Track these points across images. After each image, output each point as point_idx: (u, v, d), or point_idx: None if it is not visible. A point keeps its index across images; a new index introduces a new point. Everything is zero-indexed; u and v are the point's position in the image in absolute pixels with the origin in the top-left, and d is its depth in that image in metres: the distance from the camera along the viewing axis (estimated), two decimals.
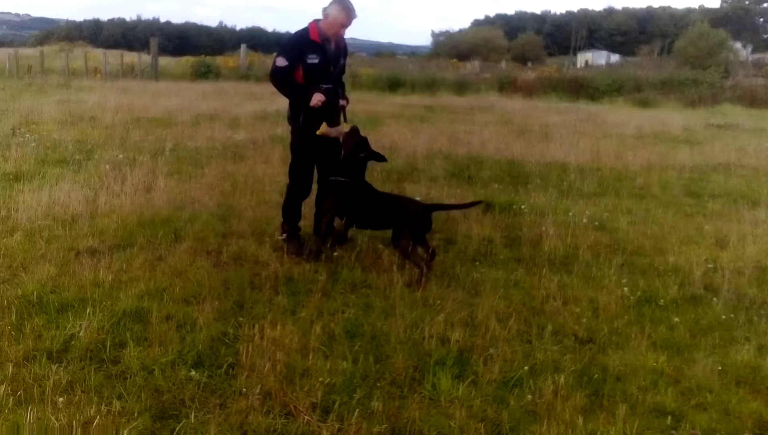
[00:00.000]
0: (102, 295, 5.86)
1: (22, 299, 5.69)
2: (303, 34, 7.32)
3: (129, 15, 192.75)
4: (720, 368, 5.23)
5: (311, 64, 7.22)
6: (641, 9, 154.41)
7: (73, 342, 5.01)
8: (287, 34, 8.10)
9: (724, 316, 6.24)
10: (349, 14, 7.22)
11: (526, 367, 5.00)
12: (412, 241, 6.92)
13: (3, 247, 7.04)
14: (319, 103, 7.14)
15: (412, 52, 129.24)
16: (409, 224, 6.96)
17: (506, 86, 39.62)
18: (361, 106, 21.16)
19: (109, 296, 5.84)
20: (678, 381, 5.04)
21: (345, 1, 7.21)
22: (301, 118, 7.37)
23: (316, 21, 7.32)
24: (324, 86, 7.25)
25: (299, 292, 6.28)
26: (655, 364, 5.24)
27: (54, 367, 4.60)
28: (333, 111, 7.45)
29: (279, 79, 7.35)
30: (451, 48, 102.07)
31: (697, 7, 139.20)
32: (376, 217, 7.24)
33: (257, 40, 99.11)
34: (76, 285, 6.07)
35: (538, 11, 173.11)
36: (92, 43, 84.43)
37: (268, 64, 8.19)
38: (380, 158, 7.41)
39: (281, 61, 7.26)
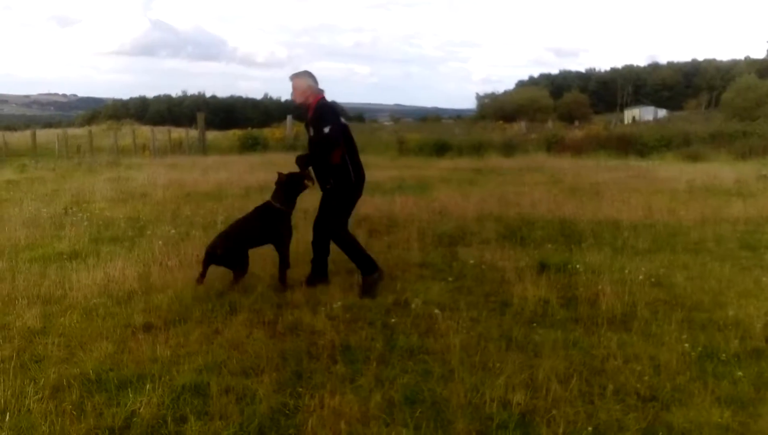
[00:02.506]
0: (160, 370, 5.87)
1: (82, 378, 5.72)
2: None
3: (174, 91, 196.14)
4: None
5: None
6: (686, 62, 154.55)
7: (134, 419, 5.03)
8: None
9: None
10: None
11: (589, 428, 4.93)
12: None
13: (60, 326, 7.12)
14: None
15: (458, 116, 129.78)
16: None
17: (554, 146, 39.61)
18: (409, 171, 21.25)
19: (167, 371, 5.86)
20: None
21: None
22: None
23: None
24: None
25: (357, 360, 6.25)
26: (720, 420, 5.13)
27: None
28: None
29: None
30: (497, 110, 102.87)
31: (742, 58, 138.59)
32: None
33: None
34: (134, 361, 6.11)
35: (582, 69, 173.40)
36: (139, 120, 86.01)
37: None
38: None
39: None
